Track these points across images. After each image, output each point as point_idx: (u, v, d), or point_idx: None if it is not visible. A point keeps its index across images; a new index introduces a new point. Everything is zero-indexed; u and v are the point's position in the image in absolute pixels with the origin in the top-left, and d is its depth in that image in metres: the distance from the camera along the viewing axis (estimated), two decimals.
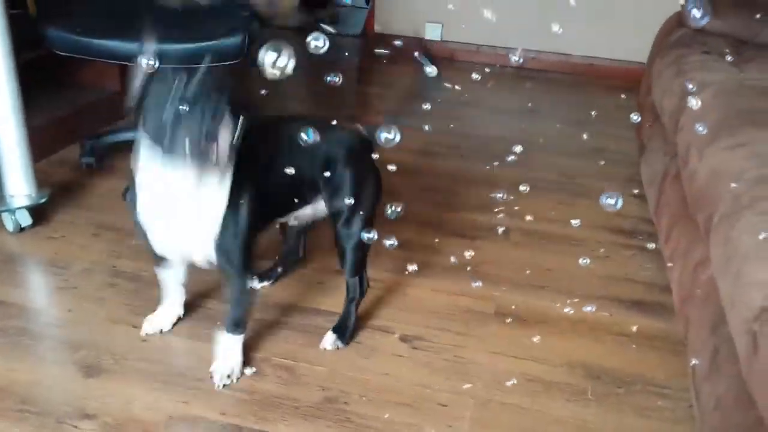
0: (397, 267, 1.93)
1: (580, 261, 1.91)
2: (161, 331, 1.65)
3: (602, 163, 2.64)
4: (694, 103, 1.84)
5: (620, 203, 1.19)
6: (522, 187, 2.05)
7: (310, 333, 1.67)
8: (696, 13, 1.16)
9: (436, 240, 2.09)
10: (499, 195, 2.32)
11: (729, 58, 2.33)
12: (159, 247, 1.45)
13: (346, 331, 1.65)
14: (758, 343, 1.07)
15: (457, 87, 3.35)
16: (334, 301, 1.74)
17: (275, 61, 1.15)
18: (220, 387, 1.49)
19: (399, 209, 1.33)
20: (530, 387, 1.55)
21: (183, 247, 1.44)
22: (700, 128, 1.81)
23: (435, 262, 1.98)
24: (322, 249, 1.98)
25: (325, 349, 1.62)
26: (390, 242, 1.36)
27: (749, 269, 1.20)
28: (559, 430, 1.45)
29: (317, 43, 1.10)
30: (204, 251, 1.42)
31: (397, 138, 1.16)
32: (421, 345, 1.66)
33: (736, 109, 1.81)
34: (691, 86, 1.88)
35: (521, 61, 1.47)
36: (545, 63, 3.73)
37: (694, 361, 1.43)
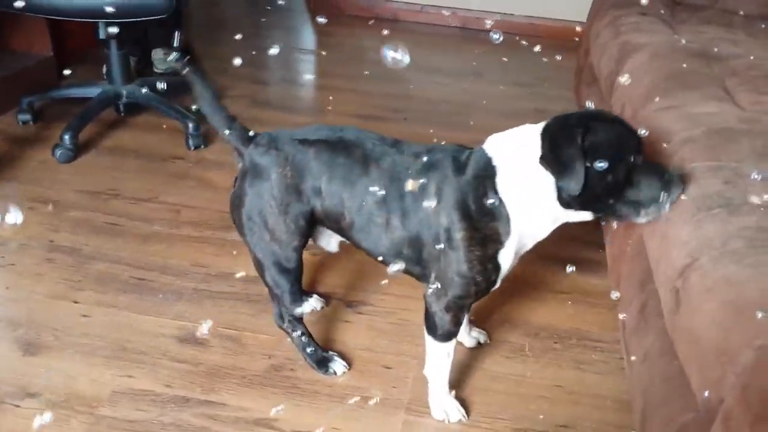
0: None
1: None
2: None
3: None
4: (624, 79, 1.89)
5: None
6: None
7: (254, 302, 1.68)
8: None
9: None
10: None
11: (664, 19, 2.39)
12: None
13: None
14: (680, 299, 1.13)
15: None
16: None
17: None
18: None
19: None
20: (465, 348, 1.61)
21: None
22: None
23: None
24: None
25: None
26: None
27: (674, 229, 1.25)
28: (499, 386, 1.51)
29: None
30: None
31: None
32: (366, 310, 1.69)
33: (668, 72, 1.86)
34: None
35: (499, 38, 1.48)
36: (487, 22, 3.73)
37: (623, 316, 1.50)
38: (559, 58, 3.32)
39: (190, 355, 1.51)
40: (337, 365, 1.50)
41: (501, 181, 1.26)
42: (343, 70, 3.18)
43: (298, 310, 1.49)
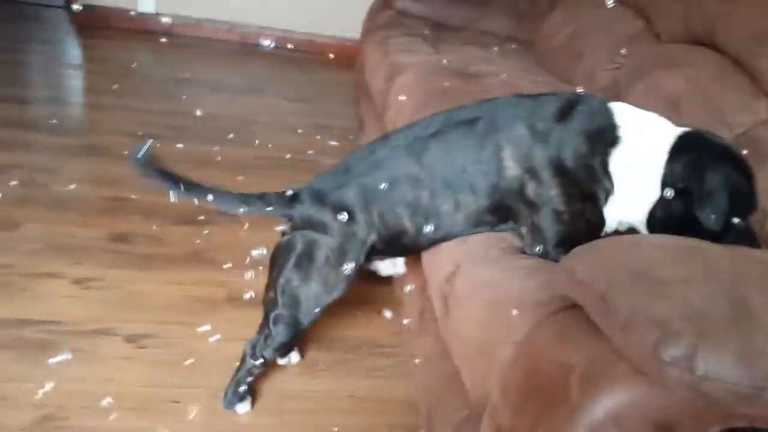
0: (117, 262, 1.81)
1: None
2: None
3: (327, 138, 2.76)
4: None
5: None
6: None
7: (16, 348, 1.50)
8: None
9: (161, 229, 2.00)
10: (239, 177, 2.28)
11: (427, 39, 2.57)
12: None
13: None
14: (449, 303, 1.22)
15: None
16: (43, 309, 1.59)
17: None
18: None
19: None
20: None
21: None
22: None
23: (160, 253, 1.90)
24: (29, 252, 1.79)
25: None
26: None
27: (444, 243, 1.35)
28: (293, 404, 1.51)
29: None
30: None
31: None
32: (148, 343, 1.58)
33: (431, 90, 2.00)
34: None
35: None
36: (266, 38, 3.74)
37: (407, 321, 1.58)
38: (338, 74, 3.44)
39: None
40: (243, 406, 1.46)
41: (618, 158, 1.21)
42: (114, 86, 2.97)
43: (281, 361, 1.55)
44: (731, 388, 0.81)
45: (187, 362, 1.54)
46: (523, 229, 1.29)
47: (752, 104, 1.64)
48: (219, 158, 2.48)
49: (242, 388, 1.45)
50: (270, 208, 1.36)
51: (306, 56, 3.78)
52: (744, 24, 1.77)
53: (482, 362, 1.09)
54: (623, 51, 2.21)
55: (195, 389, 1.49)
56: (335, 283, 1.36)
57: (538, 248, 1.26)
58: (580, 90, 1.37)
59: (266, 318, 1.40)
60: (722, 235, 1.15)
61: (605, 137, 1.22)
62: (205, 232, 2.00)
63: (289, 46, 3.69)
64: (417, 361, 1.47)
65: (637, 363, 0.86)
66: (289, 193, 1.37)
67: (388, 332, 1.76)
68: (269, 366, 1.57)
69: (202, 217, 2.02)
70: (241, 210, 1.36)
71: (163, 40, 3.60)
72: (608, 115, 1.24)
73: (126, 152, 2.36)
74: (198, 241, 1.96)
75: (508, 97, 1.37)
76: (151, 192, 2.15)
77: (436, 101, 1.90)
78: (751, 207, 1.18)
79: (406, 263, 1.50)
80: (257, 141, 2.67)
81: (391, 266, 1.51)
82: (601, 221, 1.25)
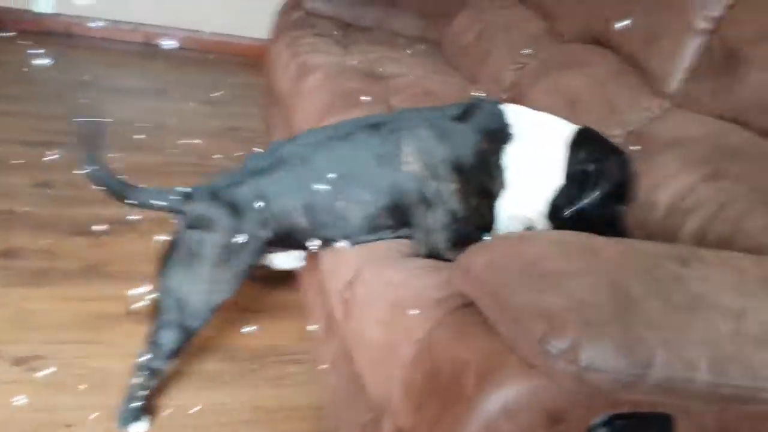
0: (5, 280, 1.70)
1: None
2: None
3: (235, 141, 2.69)
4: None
5: None
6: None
7: None
8: None
9: (55, 242, 1.88)
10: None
11: (336, 40, 2.55)
12: None
13: None
14: (349, 308, 1.20)
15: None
16: None
17: None
18: None
19: None
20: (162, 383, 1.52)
21: None
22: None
23: (55, 267, 1.79)
24: None
25: None
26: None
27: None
28: (197, 421, 1.45)
29: None
30: None
31: None
32: (40, 365, 1.48)
33: (339, 91, 1.98)
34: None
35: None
36: (172, 39, 3.61)
37: (313, 327, 1.56)
38: (248, 76, 3.37)
39: None
40: (140, 425, 1.39)
41: (512, 152, 1.28)
42: (9, 91, 2.80)
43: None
44: (613, 377, 0.83)
45: (82, 383, 1.46)
46: (418, 232, 1.31)
47: (644, 102, 1.70)
48: (122, 165, 2.36)
49: (136, 405, 1.37)
50: (160, 203, 1.31)
51: (215, 57, 3.68)
52: (637, 25, 1.84)
53: (385, 364, 1.08)
54: (527, 51, 2.25)
55: (90, 411, 1.40)
56: (224, 283, 1.31)
57: (431, 250, 1.29)
58: (480, 95, 1.46)
59: (153, 325, 1.33)
60: (612, 219, 1.29)
61: (498, 135, 1.30)
62: (101, 243, 1.91)
63: (194, 47, 3.59)
64: (323, 366, 1.45)
65: (526, 356, 0.87)
66: (183, 190, 1.31)
67: (294, 339, 1.72)
68: (167, 381, 1.51)
69: (96, 227, 1.92)
70: (130, 199, 1.31)
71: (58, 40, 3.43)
72: (502, 115, 1.33)
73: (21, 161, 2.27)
74: (94, 254, 1.86)
75: (416, 107, 1.45)
76: (45, 204, 2.06)
77: (343, 102, 1.89)
78: (631, 197, 1.33)
79: (306, 267, 1.47)
80: (162, 146, 2.58)
81: (288, 260, 1.47)
82: (493, 217, 1.31)
